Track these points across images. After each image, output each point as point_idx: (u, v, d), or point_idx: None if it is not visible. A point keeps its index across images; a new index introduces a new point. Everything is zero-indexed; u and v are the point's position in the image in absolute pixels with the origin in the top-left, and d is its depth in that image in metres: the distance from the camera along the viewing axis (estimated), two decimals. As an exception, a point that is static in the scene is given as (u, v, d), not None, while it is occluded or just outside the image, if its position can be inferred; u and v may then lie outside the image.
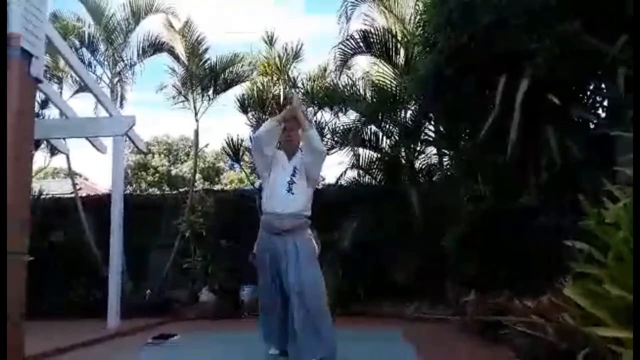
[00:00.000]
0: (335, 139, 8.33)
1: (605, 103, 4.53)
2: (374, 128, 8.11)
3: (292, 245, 3.35)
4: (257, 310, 3.82)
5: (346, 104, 8.15)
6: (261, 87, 8.77)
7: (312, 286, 3.30)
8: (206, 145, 10.67)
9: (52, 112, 8.57)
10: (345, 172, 8.36)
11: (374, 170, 8.35)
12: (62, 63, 8.34)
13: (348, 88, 8.16)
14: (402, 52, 7.80)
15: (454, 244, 5.67)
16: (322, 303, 3.32)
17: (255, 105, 8.78)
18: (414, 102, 7.44)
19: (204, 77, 8.70)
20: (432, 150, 7.87)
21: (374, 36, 7.82)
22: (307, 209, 3.48)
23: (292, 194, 3.42)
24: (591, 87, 4.54)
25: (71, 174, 9.03)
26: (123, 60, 9.06)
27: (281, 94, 8.67)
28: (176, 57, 8.87)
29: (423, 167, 8.09)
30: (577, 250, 2.64)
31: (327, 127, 8.60)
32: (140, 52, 9.02)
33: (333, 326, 3.37)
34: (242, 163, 9.09)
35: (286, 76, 8.78)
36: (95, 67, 8.97)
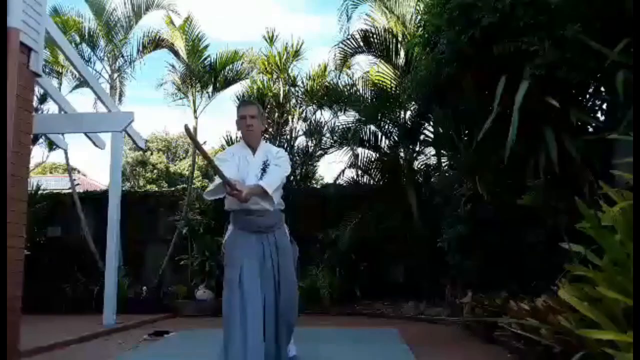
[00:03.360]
0: (334, 138, 8.34)
1: (604, 106, 4.53)
2: (373, 128, 8.12)
3: (272, 242, 3.05)
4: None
5: (346, 104, 8.14)
6: (261, 85, 8.77)
7: (287, 287, 3.02)
8: (204, 143, 10.65)
9: (50, 107, 8.57)
10: (343, 171, 8.37)
11: (372, 170, 8.36)
12: (61, 58, 8.32)
13: (348, 87, 8.16)
14: (402, 52, 7.79)
15: (452, 244, 5.68)
16: (290, 308, 3.03)
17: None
18: (413, 102, 7.45)
19: (204, 74, 8.68)
20: (431, 150, 7.88)
21: (375, 36, 7.82)
22: (281, 203, 3.14)
23: None
24: (590, 90, 4.55)
25: (69, 170, 9.01)
26: (123, 56, 9.05)
27: (281, 92, 8.67)
28: (176, 54, 8.86)
29: (422, 167, 8.10)
30: (574, 252, 2.64)
31: (326, 126, 8.61)
32: (141, 48, 9.01)
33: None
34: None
35: (286, 74, 8.77)
36: (94, 62, 8.98)
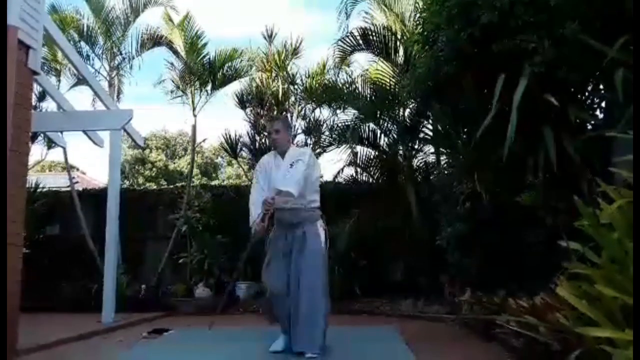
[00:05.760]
0: (333, 136, 8.34)
1: (603, 104, 4.53)
2: (372, 126, 8.11)
3: (298, 239, 3.64)
4: (253, 306, 3.98)
5: (345, 101, 8.13)
6: (260, 83, 8.76)
7: (307, 276, 3.60)
8: (203, 140, 10.69)
9: (49, 105, 8.55)
10: (342, 169, 8.37)
11: (371, 168, 8.36)
12: (60, 55, 8.30)
13: (347, 85, 8.15)
14: (401, 50, 7.78)
15: (451, 242, 5.68)
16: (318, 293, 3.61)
17: (254, 101, 8.77)
18: (412, 100, 7.44)
19: (203, 71, 8.66)
20: (429, 148, 7.88)
21: (374, 34, 7.80)
22: (313, 201, 3.72)
23: None
24: (589, 88, 4.54)
25: (68, 168, 9.00)
26: (121, 54, 9.03)
27: (280, 90, 8.66)
28: (175, 51, 8.84)
29: (421, 165, 8.10)
30: (572, 250, 2.65)
31: (325, 124, 8.60)
32: (139, 45, 8.99)
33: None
34: (239, 159, 9.09)
35: (285, 72, 8.76)
36: (93, 60, 8.95)
